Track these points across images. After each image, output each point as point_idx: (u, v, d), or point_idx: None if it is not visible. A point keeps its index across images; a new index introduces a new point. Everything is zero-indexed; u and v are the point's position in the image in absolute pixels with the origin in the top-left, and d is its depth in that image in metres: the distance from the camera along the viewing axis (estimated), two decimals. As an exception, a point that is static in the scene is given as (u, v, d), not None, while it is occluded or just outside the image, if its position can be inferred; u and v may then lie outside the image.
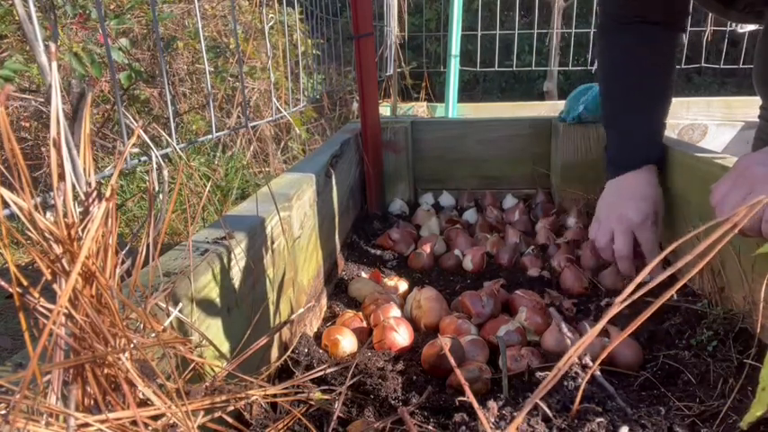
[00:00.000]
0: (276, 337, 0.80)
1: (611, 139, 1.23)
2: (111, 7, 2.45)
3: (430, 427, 0.69)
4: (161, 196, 0.54)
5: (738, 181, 0.74)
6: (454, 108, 3.10)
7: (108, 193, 0.42)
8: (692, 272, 0.30)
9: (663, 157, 1.18)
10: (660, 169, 1.17)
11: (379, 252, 1.36)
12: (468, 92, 6.08)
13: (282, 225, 0.85)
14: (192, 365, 0.55)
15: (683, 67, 2.98)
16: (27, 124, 2.94)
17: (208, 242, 0.68)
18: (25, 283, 0.39)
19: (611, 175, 1.18)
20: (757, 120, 1.41)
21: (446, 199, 1.72)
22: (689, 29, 1.40)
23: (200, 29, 1.07)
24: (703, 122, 2.72)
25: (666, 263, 1.18)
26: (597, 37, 1.29)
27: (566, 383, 0.67)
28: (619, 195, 1.13)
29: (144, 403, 0.45)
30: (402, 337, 0.90)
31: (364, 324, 0.97)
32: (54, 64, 0.42)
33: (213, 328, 0.63)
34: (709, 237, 0.29)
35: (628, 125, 1.19)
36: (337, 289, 1.18)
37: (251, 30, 3.16)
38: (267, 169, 3.30)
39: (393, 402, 0.74)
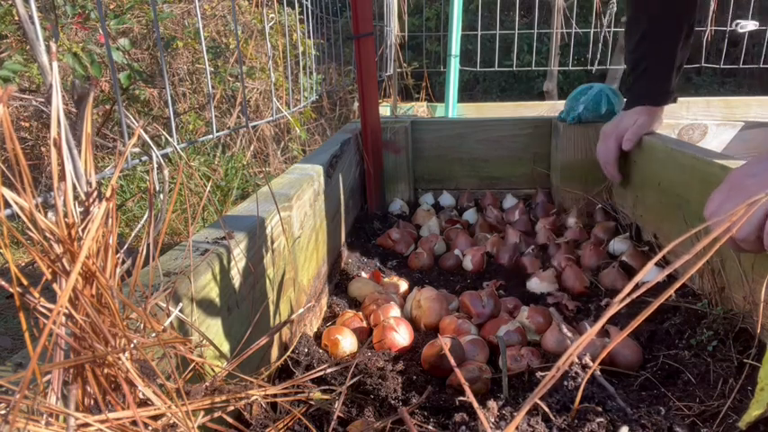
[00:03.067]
0: (276, 337, 0.80)
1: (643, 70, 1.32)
2: (111, 7, 2.45)
3: (430, 427, 0.69)
4: (161, 196, 0.55)
5: (732, 193, 0.76)
6: (454, 108, 3.10)
7: (108, 193, 0.42)
8: (690, 271, 0.31)
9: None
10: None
11: (379, 252, 1.36)
12: (469, 92, 6.08)
13: (283, 225, 0.85)
14: (192, 365, 0.55)
15: (682, 66, 2.97)
16: (27, 124, 2.94)
17: (208, 242, 0.68)
18: (25, 283, 0.39)
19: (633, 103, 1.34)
20: (756, 119, 1.41)
21: (446, 199, 1.72)
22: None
23: (201, 29, 1.07)
24: (703, 122, 2.72)
25: (665, 262, 1.18)
26: None
27: (566, 383, 0.67)
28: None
29: (144, 403, 0.45)
30: (402, 337, 0.90)
31: (364, 324, 0.97)
32: (55, 64, 0.42)
33: (213, 328, 0.63)
34: (707, 237, 0.29)
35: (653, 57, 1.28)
36: (337, 289, 1.18)
37: (249, 29, 3.16)
38: (267, 169, 3.30)
39: (393, 402, 0.74)
